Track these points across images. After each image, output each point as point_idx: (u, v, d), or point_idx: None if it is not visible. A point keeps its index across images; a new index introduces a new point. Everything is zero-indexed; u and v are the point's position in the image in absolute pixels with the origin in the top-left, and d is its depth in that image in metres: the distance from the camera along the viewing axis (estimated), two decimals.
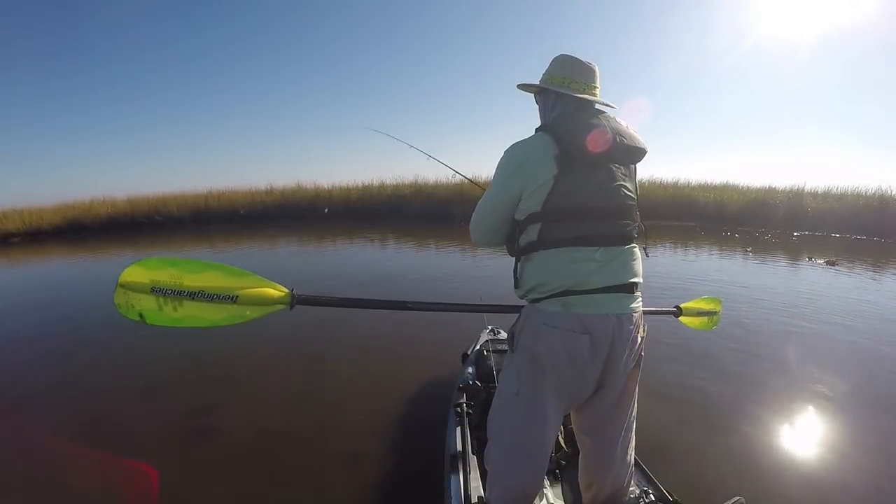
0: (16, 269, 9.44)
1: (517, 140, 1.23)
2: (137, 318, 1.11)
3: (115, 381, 3.41)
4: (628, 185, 1.23)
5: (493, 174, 1.25)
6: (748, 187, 14.18)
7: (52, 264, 9.60)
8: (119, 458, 2.37)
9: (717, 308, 1.92)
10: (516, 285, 1.27)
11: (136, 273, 1.12)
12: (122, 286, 1.10)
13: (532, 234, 1.18)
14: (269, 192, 16.35)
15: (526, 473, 1.22)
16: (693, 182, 14.76)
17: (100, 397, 3.16)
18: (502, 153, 1.22)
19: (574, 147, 1.13)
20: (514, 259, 1.29)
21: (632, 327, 1.19)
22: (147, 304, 1.12)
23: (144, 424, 2.74)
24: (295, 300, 1.24)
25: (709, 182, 14.77)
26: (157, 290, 1.11)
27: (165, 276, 1.12)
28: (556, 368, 1.17)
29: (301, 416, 2.79)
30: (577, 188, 1.14)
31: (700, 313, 1.87)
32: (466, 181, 2.72)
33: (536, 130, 1.25)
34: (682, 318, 1.82)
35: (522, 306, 1.30)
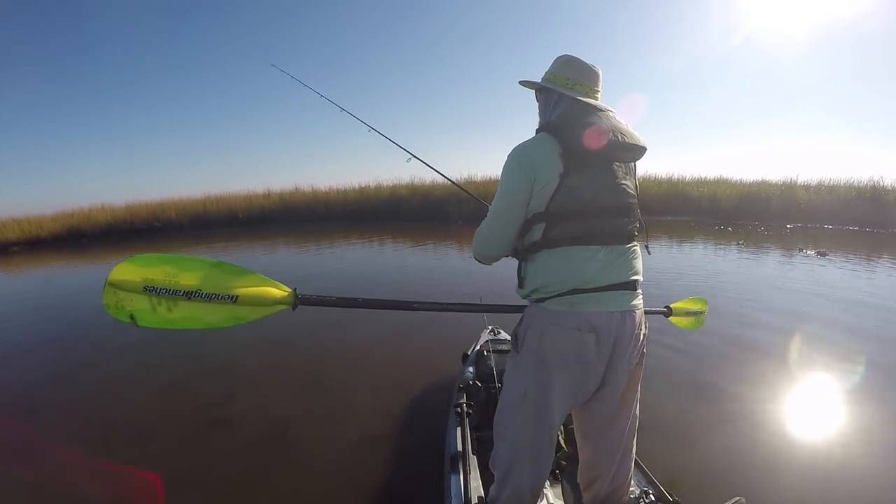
0: (17, 277, 9.45)
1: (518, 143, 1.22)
2: (128, 320, 1.03)
3: (121, 387, 3.41)
4: (629, 183, 1.23)
5: (499, 177, 1.22)
6: (741, 181, 14.26)
7: (53, 272, 9.61)
8: (123, 468, 2.35)
9: (704, 308, 1.93)
10: (520, 285, 1.25)
11: (127, 271, 1.02)
12: (112, 285, 1.01)
13: (536, 233, 1.17)
14: (267, 195, 16.38)
15: (533, 474, 1.23)
16: (687, 177, 14.82)
17: (106, 404, 3.15)
18: (507, 157, 1.21)
19: (577, 145, 1.13)
20: (516, 260, 1.28)
21: (634, 324, 1.19)
22: (139, 304, 1.03)
23: (152, 428, 2.76)
24: (298, 300, 1.19)
25: (702, 177, 14.82)
26: (149, 290, 1.03)
27: (159, 274, 1.04)
28: (563, 368, 1.16)
29: (300, 418, 2.82)
30: (581, 187, 1.14)
31: (688, 313, 1.87)
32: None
33: (537, 131, 1.25)
34: (671, 318, 1.82)
35: (524, 306, 1.28)
